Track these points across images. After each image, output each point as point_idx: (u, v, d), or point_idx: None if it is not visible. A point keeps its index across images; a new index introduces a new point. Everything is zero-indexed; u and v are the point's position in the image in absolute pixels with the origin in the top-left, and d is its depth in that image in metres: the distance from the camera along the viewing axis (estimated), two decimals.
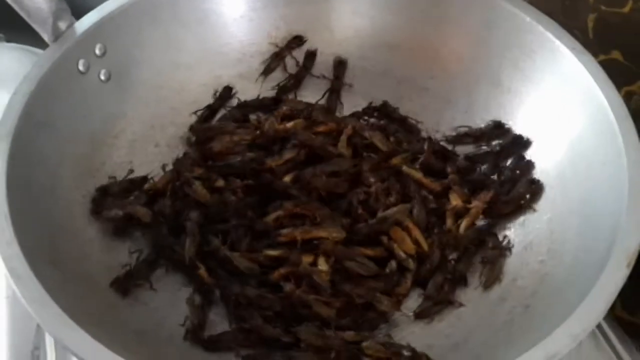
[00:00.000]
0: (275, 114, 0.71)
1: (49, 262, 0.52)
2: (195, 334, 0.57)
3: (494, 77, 0.70)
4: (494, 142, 0.70)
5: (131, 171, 0.66)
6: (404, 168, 0.68)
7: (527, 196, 0.64)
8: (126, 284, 0.59)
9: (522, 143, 0.68)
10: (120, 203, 0.63)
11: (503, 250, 0.63)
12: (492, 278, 0.61)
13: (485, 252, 0.63)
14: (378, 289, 0.60)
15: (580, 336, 0.45)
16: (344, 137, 0.69)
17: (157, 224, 0.63)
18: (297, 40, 0.77)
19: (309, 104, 0.74)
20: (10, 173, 0.53)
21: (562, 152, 0.63)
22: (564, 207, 0.61)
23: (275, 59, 0.77)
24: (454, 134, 0.72)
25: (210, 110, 0.74)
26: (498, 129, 0.69)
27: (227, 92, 0.75)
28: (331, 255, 0.60)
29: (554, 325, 0.47)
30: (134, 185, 0.66)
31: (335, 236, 0.61)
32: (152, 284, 0.60)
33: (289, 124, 0.69)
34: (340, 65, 0.77)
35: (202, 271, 0.59)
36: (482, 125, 0.70)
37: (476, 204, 0.65)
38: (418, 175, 0.67)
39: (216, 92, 0.75)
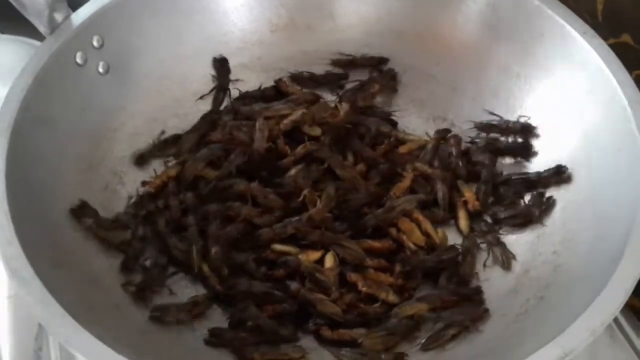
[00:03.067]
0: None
1: (51, 261, 0.51)
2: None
3: (503, 63, 0.69)
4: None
5: (130, 197, 0.65)
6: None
7: (537, 212, 0.63)
8: (144, 292, 0.57)
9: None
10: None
11: (498, 231, 0.63)
12: (508, 257, 0.61)
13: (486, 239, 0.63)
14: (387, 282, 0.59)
15: (598, 330, 0.45)
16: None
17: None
18: (377, 61, 0.75)
19: (313, 94, 0.73)
20: (9, 170, 0.52)
21: (575, 139, 0.62)
22: (577, 196, 0.60)
23: (349, 64, 0.75)
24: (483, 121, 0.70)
25: (221, 90, 0.73)
26: (525, 129, 0.67)
27: (222, 64, 0.74)
28: (318, 244, 0.60)
29: (570, 317, 0.46)
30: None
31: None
32: (172, 290, 0.59)
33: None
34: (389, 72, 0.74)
35: (213, 282, 0.58)
36: (511, 121, 0.68)
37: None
38: (424, 167, 0.66)
39: (214, 77, 0.73)
